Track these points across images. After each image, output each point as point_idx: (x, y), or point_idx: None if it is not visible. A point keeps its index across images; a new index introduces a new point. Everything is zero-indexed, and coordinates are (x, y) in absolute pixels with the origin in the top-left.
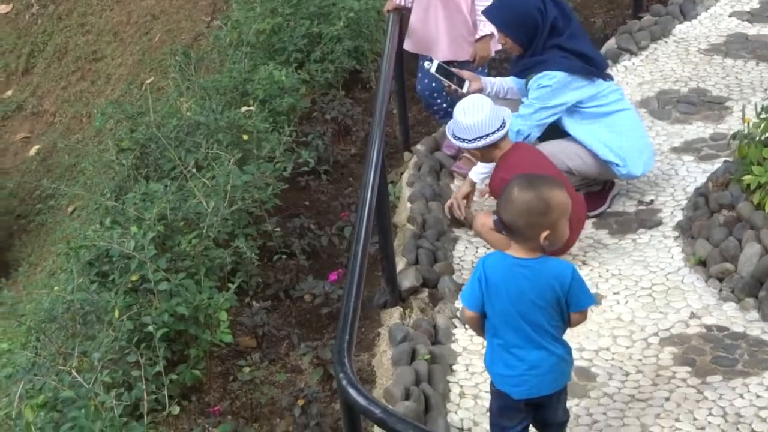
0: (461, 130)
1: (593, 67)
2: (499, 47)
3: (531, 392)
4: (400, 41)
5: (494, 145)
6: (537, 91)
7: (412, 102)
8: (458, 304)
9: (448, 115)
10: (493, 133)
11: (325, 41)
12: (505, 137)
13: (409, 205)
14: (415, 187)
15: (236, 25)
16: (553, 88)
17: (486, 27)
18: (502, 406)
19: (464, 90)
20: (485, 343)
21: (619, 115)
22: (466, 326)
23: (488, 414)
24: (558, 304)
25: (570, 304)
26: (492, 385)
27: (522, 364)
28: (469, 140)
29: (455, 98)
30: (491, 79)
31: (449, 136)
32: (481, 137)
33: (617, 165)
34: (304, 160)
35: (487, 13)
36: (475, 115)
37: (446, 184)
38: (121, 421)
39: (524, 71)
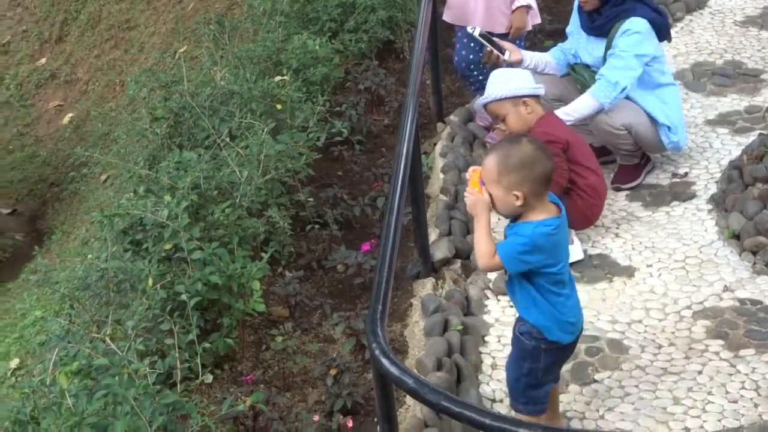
0: (497, 82)
1: (662, 26)
2: (537, 20)
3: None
4: (434, 11)
5: (525, 104)
6: (626, 39)
7: (446, 73)
8: (490, 275)
9: (483, 87)
10: (526, 87)
11: (359, 11)
12: (538, 104)
13: (442, 176)
14: (448, 158)
15: None
16: (642, 35)
17: None
18: (553, 361)
19: (504, 58)
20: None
21: (668, 89)
22: (499, 297)
23: (521, 382)
24: None
25: None
26: (539, 346)
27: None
28: (503, 89)
29: (493, 68)
30: (530, 52)
31: (479, 106)
32: (516, 87)
33: (669, 131)
34: (338, 130)
35: None
36: (515, 71)
37: (479, 155)
38: (154, 388)
39: (606, 24)
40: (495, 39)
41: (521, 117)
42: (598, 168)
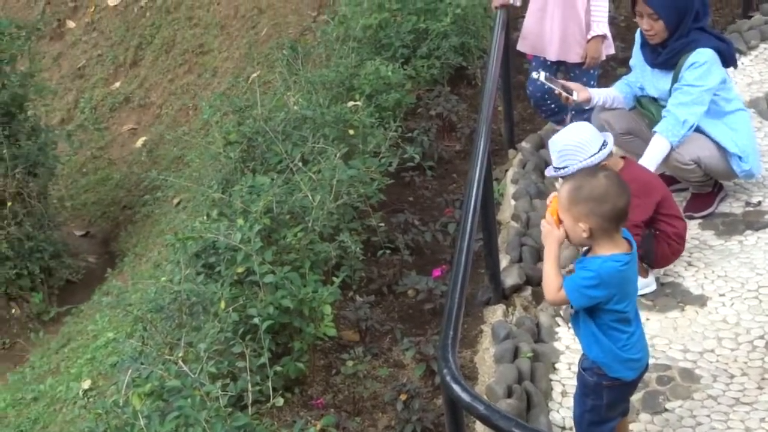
0: (565, 154)
1: (728, 54)
2: (611, 51)
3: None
4: (507, 38)
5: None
6: (694, 72)
7: (517, 99)
8: None
9: (555, 114)
10: (599, 151)
11: (432, 37)
12: (609, 158)
13: (513, 202)
14: (520, 184)
15: (343, 20)
16: (708, 65)
17: (599, 27)
18: (616, 398)
19: (573, 98)
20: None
21: (736, 115)
22: (569, 325)
23: (585, 418)
24: None
25: None
26: (600, 383)
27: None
28: (577, 162)
29: (565, 104)
30: (597, 90)
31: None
32: (588, 157)
33: (740, 160)
34: (409, 155)
35: None
36: (578, 134)
37: (551, 182)
38: (226, 411)
39: (672, 58)
40: (561, 81)
41: None
42: (681, 212)
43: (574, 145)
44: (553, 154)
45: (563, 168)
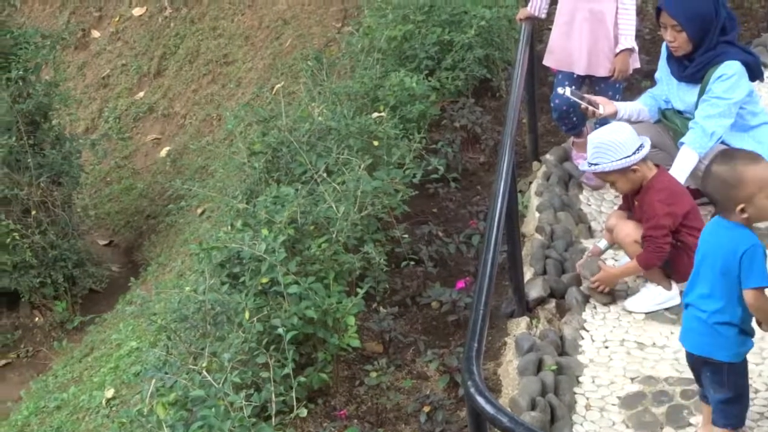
0: (600, 152)
1: (755, 67)
2: (637, 64)
3: None
4: (532, 51)
5: (633, 170)
6: (721, 84)
7: (542, 112)
8: (585, 315)
9: (575, 127)
10: (633, 153)
11: (456, 49)
12: (644, 161)
13: (537, 214)
14: (544, 196)
15: (368, 31)
16: (737, 77)
17: (627, 41)
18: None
19: (600, 112)
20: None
21: (763, 129)
22: (593, 338)
23: (728, 405)
24: (726, 272)
25: (740, 279)
26: (733, 364)
27: None
28: (609, 162)
29: (591, 118)
30: (622, 103)
31: (585, 167)
32: (622, 158)
33: None
34: (434, 167)
35: (667, 5)
36: (616, 134)
37: (575, 195)
38: (250, 421)
39: (699, 71)
40: (587, 95)
41: (629, 180)
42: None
43: (609, 144)
44: (590, 149)
45: (595, 164)
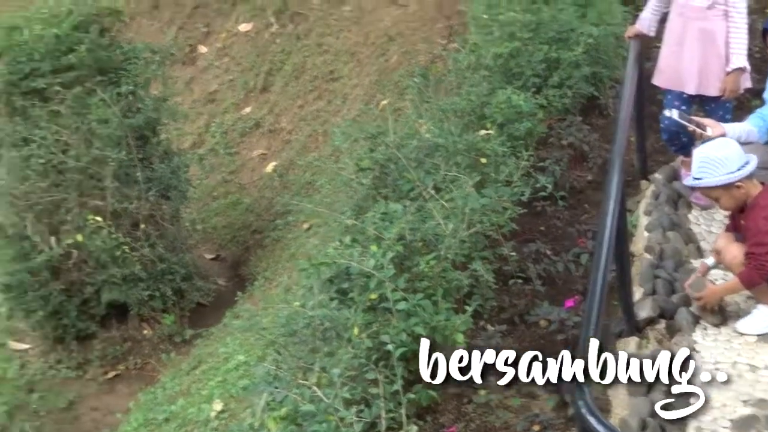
0: (705, 167)
1: None
2: (748, 84)
3: None
4: (640, 69)
5: (738, 187)
6: None
7: (650, 130)
8: (696, 336)
9: (685, 147)
10: (738, 170)
11: (563, 66)
12: (750, 179)
13: (646, 234)
14: (653, 216)
15: (474, 49)
16: None
17: (738, 60)
18: None
19: (707, 134)
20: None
21: None
22: (704, 359)
23: None
24: None
25: None
26: None
27: None
28: (713, 177)
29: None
30: (731, 125)
31: (689, 182)
32: (726, 174)
33: None
34: (542, 185)
35: None
36: (721, 150)
37: (684, 214)
38: None
39: None
40: (694, 118)
41: (733, 196)
42: None
43: (714, 159)
44: (694, 164)
45: (699, 179)
